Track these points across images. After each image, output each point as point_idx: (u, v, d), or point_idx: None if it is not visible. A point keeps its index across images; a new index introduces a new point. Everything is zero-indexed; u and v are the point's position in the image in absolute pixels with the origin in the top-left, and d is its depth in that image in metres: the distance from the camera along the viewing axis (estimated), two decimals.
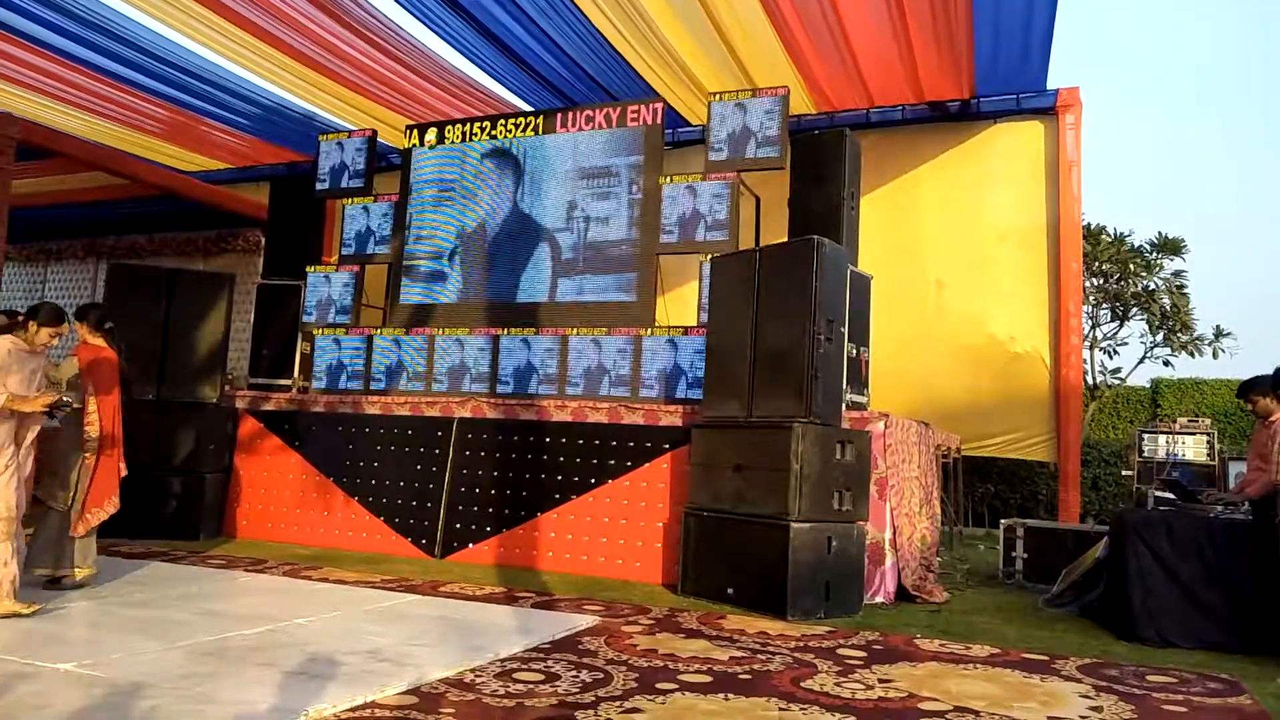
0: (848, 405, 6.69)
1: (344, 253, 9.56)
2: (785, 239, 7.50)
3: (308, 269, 9.57)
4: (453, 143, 9.28)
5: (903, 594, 6.53)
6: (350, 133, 9.98)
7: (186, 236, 13.29)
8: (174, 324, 8.51)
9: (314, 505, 8.22)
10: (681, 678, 4.11)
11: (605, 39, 8.96)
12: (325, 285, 9.45)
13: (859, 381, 7.22)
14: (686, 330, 7.76)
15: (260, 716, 3.22)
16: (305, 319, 9.45)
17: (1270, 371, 5.70)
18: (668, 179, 8.18)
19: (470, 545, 7.56)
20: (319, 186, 9.82)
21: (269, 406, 8.76)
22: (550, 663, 4.27)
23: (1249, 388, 5.81)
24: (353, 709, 3.43)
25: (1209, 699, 4.19)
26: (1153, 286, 13.07)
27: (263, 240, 11.11)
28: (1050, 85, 9.94)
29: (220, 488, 8.54)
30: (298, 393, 9.19)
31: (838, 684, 4.13)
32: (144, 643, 4.40)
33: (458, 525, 7.66)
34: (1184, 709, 4.00)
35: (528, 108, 10.55)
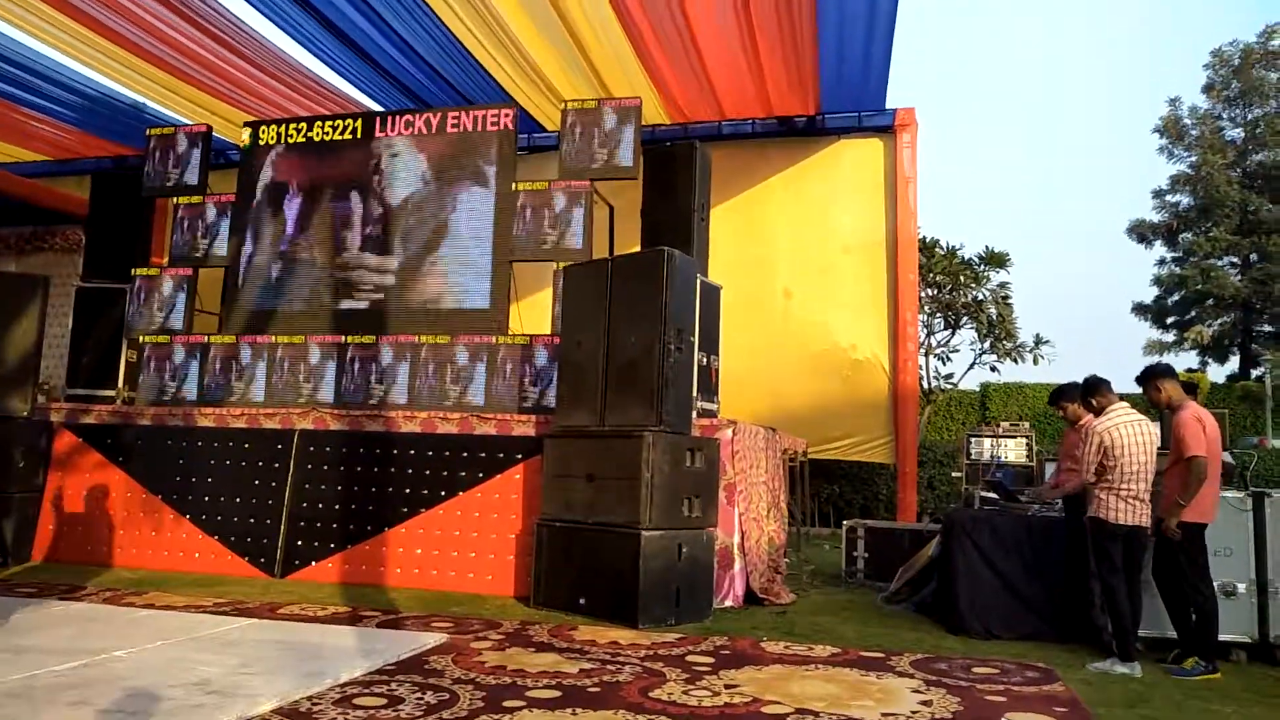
0: (698, 413, 6.81)
1: (174, 254, 8.98)
2: (638, 248, 7.57)
3: (134, 271, 8.94)
4: (296, 141, 8.88)
5: (751, 597, 6.69)
6: (183, 127, 9.40)
7: None
8: None
9: (140, 525, 7.67)
10: (530, 694, 4.07)
11: (460, 42, 8.82)
12: (153, 288, 8.84)
13: (709, 389, 7.35)
14: (538, 339, 7.71)
15: None
16: (131, 325, 8.82)
17: (1079, 379, 6.17)
18: (520, 185, 8.10)
19: (313, 563, 7.23)
20: (147, 183, 9.18)
21: (89, 420, 8.13)
22: (394, 685, 4.14)
23: (1059, 395, 6.28)
24: None
25: (1027, 687, 4.48)
26: (981, 297, 13.95)
27: (83, 239, 10.31)
28: (889, 105, 10.46)
29: (32, 508, 7.85)
30: (122, 404, 8.57)
31: (685, 692, 4.18)
32: None
33: (299, 542, 7.32)
34: (1004, 698, 4.26)
35: (379, 108, 10.25)
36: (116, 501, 7.77)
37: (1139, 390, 5.44)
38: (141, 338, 8.72)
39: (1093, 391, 5.46)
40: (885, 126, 10.71)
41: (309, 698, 3.89)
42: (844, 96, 10.11)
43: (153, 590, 6.54)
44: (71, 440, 8.02)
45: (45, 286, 8.33)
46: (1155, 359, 20.23)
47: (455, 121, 8.45)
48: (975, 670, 4.81)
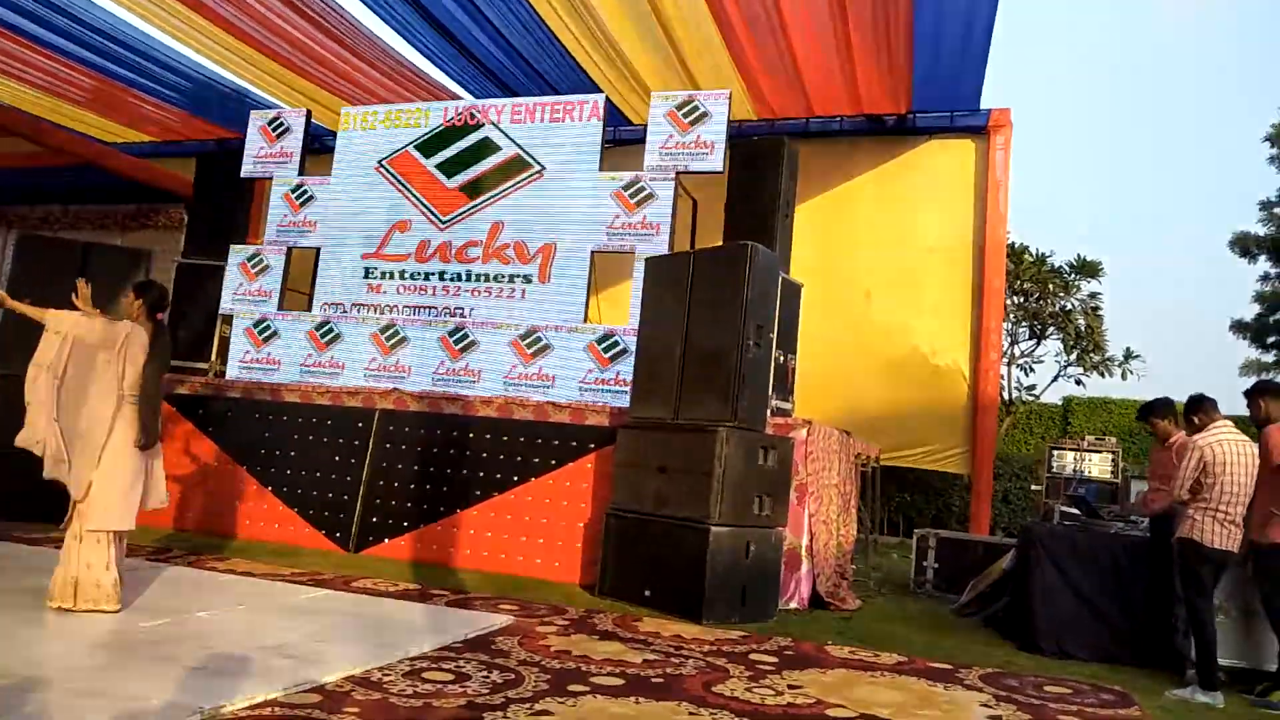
0: (773, 411, 6.76)
1: (270, 235, 9.30)
2: (720, 242, 7.54)
3: (231, 248, 9.29)
4: (390, 127, 9.11)
5: (817, 600, 6.61)
6: (283, 111, 9.72)
7: (105, 209, 12.82)
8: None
9: (225, 493, 7.98)
10: (594, 680, 4.10)
11: (549, 29, 8.89)
12: (250, 266, 9.18)
13: (784, 388, 7.29)
14: (617, 329, 7.75)
15: (154, 713, 3.11)
16: (226, 301, 9.18)
17: (1169, 395, 5.96)
18: (606, 176, 8.15)
19: (386, 540, 7.42)
20: (247, 164, 9.53)
21: (183, 390, 8.48)
22: (461, 662, 4.22)
23: (1150, 409, 6.05)
24: (252, 706, 3.34)
25: (1101, 710, 4.34)
26: (1069, 307, 13.49)
27: (185, 218, 10.76)
28: (983, 105, 10.20)
29: None
30: (214, 377, 8.92)
31: (748, 689, 4.17)
32: (32, 632, 4.23)
33: (374, 519, 7.52)
34: (1077, 719, 4.13)
35: (467, 95, 10.43)
36: (204, 470, 8.10)
37: (1241, 412, 5.22)
38: (236, 313, 9.06)
39: (1196, 408, 5.22)
40: (978, 127, 10.44)
41: (380, 668, 3.99)
42: (937, 95, 9.89)
43: (234, 557, 6.80)
44: (166, 409, 8.34)
45: (149, 261, 8.70)
46: (1253, 379, 19.35)
47: (545, 110, 8.54)
48: (1047, 689, 4.67)
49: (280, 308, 9.02)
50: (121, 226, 12.67)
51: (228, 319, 9.15)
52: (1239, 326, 27.28)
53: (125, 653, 3.92)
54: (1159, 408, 5.93)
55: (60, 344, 4.76)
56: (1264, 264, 26.69)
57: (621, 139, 10.81)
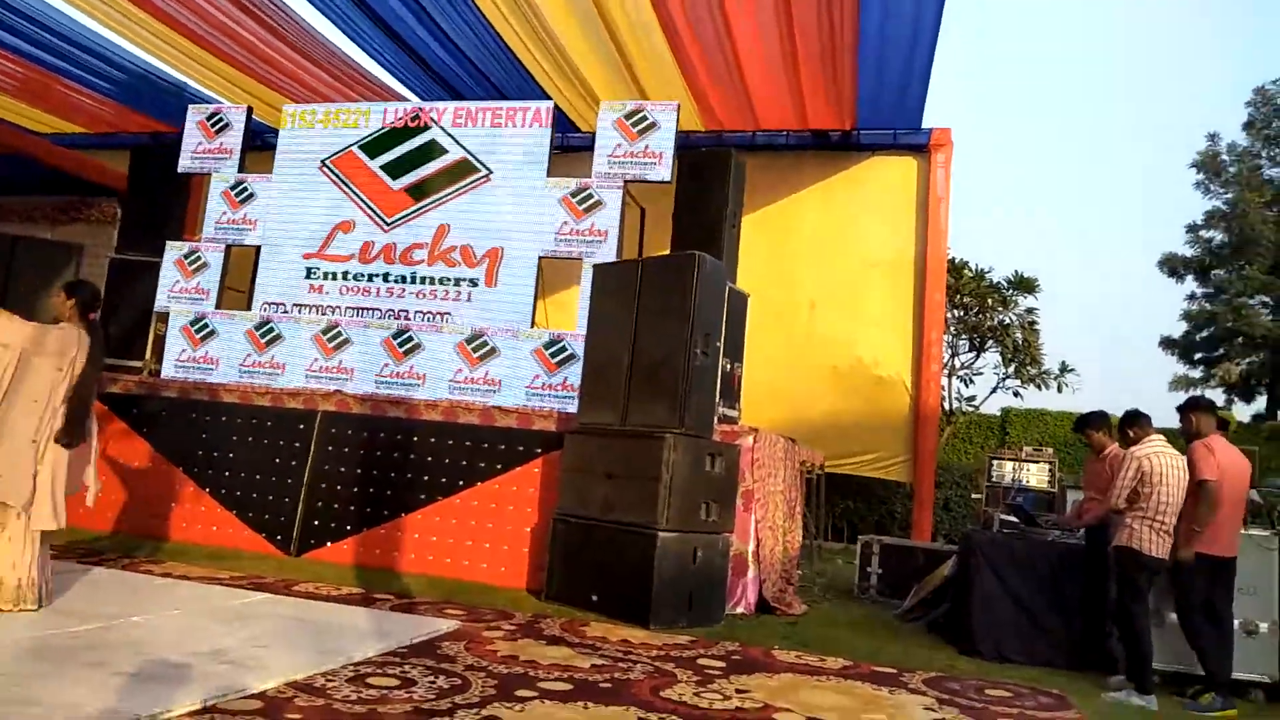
0: (719, 419, 6.80)
1: (208, 231, 9.06)
2: (668, 251, 7.58)
3: (167, 244, 9.03)
4: (334, 126, 8.96)
5: (763, 605, 6.66)
6: (223, 107, 9.49)
7: (33, 201, 12.37)
8: (13, 295, 7.85)
9: (160, 496, 7.72)
10: (541, 685, 4.06)
11: (497, 34, 8.86)
12: (186, 263, 8.93)
13: (731, 396, 7.34)
14: (564, 335, 7.73)
15: None
16: (161, 298, 8.91)
17: (1102, 408, 6.15)
18: (554, 182, 8.13)
19: (328, 544, 7.27)
20: (184, 159, 9.27)
21: (115, 389, 8.20)
22: (407, 667, 4.15)
23: (1085, 422, 6.22)
24: (190, 714, 3.23)
25: (1040, 712, 4.44)
26: (1008, 321, 13.86)
27: (119, 212, 10.43)
28: (925, 124, 10.43)
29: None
30: (148, 375, 8.65)
31: (697, 694, 4.17)
32: None
33: (316, 522, 7.36)
34: None
35: (414, 98, 10.32)
36: (138, 470, 7.84)
37: (1169, 425, 5.41)
38: (170, 311, 8.80)
39: (1132, 423, 5.38)
40: (920, 145, 10.70)
41: (323, 674, 3.90)
42: (880, 113, 10.10)
43: (170, 560, 6.59)
44: (98, 408, 8.05)
45: (80, 256, 8.43)
46: (1181, 394, 20.02)
47: (493, 114, 8.49)
48: (988, 692, 4.77)
49: (218, 306, 8.78)
50: (51, 220, 12.24)
51: (163, 316, 8.88)
52: (1168, 343, 28.24)
53: (57, 658, 3.76)
54: (1094, 420, 6.11)
55: (10, 360, 4.60)
56: (1191, 284, 27.65)
57: (570, 145, 10.82)
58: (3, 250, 7.99)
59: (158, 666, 3.74)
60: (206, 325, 8.68)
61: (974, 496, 12.02)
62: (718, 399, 6.68)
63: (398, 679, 3.94)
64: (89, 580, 5.59)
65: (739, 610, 6.50)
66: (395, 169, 8.67)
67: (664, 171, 7.94)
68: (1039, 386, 14.10)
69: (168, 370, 8.66)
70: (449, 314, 8.16)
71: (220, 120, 9.27)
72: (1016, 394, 14.43)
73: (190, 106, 9.47)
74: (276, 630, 4.66)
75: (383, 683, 3.86)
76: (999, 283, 13.90)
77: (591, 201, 7.99)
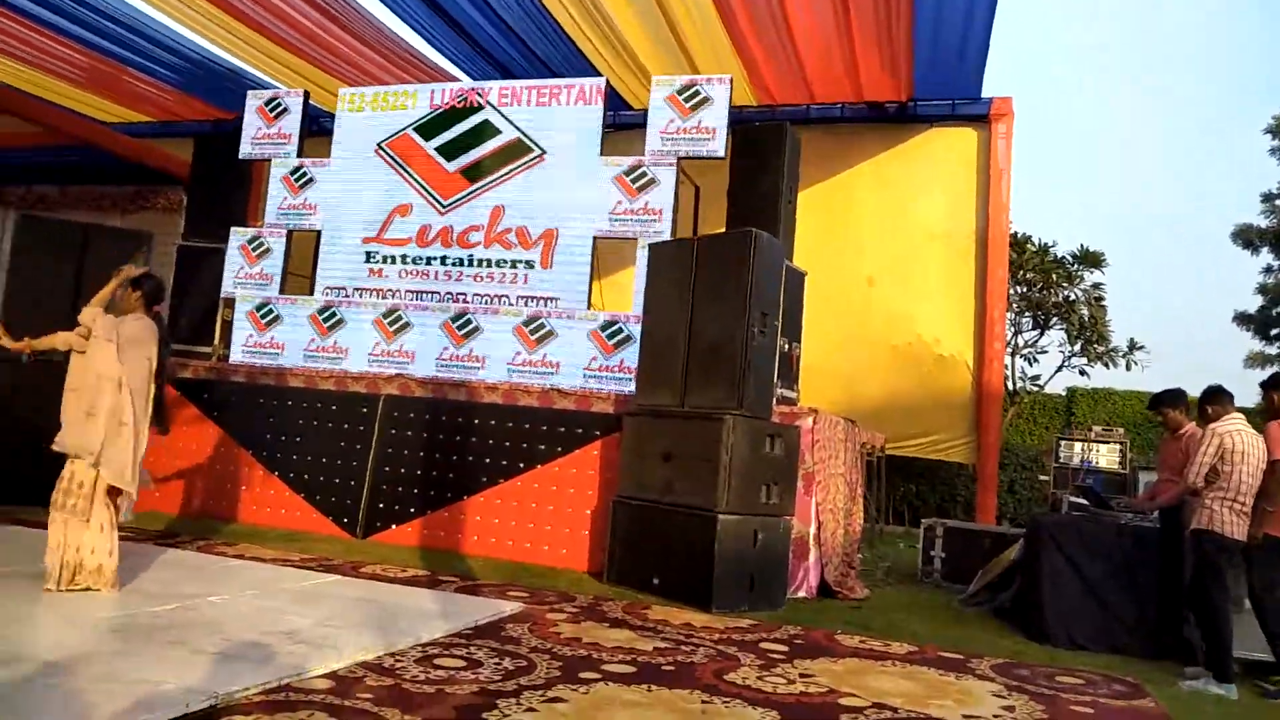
0: (778, 400, 6.73)
1: (270, 217, 9.22)
2: (723, 229, 7.50)
3: (232, 230, 9.21)
4: (389, 109, 9.02)
5: (825, 589, 6.61)
6: (281, 92, 9.62)
7: (102, 191, 12.70)
8: (88, 282, 8.06)
9: (232, 479, 7.93)
10: (605, 667, 4.08)
11: (550, 14, 8.81)
12: (250, 249, 9.10)
13: (790, 376, 7.27)
14: (620, 316, 7.71)
15: (170, 698, 3.07)
16: (227, 284, 9.10)
17: (1175, 386, 5.94)
18: (608, 161, 8.09)
19: (393, 526, 7.39)
20: (245, 145, 9.43)
21: (187, 374, 8.42)
22: (473, 649, 4.20)
23: (1160, 400, 6.01)
24: (266, 691, 3.31)
25: (1114, 700, 4.34)
26: (1073, 297, 13.48)
27: (185, 200, 10.66)
28: (985, 94, 10.15)
29: None
30: (217, 361, 8.86)
31: (760, 678, 4.15)
32: (44, 619, 4.20)
33: (381, 505, 7.49)
34: (1091, 710, 4.13)
35: (465, 77, 10.34)
36: (210, 455, 8.05)
37: (1244, 404, 5.21)
38: (237, 297, 8.98)
39: (1212, 399, 5.20)
40: (980, 116, 10.40)
41: (392, 654, 3.97)
42: (938, 84, 9.83)
43: (242, 542, 6.77)
44: (170, 393, 8.30)
45: (150, 243, 8.63)
46: (1256, 372, 19.38)
47: (546, 93, 8.47)
48: (1059, 679, 4.67)
49: (282, 291, 8.94)
50: (120, 208, 12.57)
51: (229, 302, 9.08)
52: (1243, 318, 27.21)
53: (138, 638, 3.88)
54: (1171, 398, 5.90)
55: (112, 352, 4.87)
56: (1266, 256, 26.62)
57: (622, 124, 10.72)
58: (76, 239, 8.21)
59: (234, 646, 3.84)
60: (271, 311, 8.85)
61: (1041, 478, 11.75)
62: (776, 379, 6.61)
63: (464, 660, 3.99)
64: (166, 562, 5.76)
65: (800, 594, 6.46)
66: (450, 151, 8.71)
67: (718, 147, 7.84)
68: (1106, 364, 13.71)
69: (236, 355, 8.85)
70: (506, 296, 8.20)
71: (278, 105, 9.40)
72: (1083, 372, 14.07)
73: (249, 92, 9.62)
74: (346, 611, 4.75)
75: (450, 663, 3.91)
76: (1063, 257, 13.53)
77: (645, 180, 7.94)
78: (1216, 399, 5.18)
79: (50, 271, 7.75)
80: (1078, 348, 13.57)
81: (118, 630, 4.00)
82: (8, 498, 7.05)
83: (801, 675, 4.27)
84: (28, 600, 4.46)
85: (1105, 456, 9.90)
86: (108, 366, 4.83)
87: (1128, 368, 13.66)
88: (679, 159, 7.91)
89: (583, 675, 3.91)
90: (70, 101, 11.88)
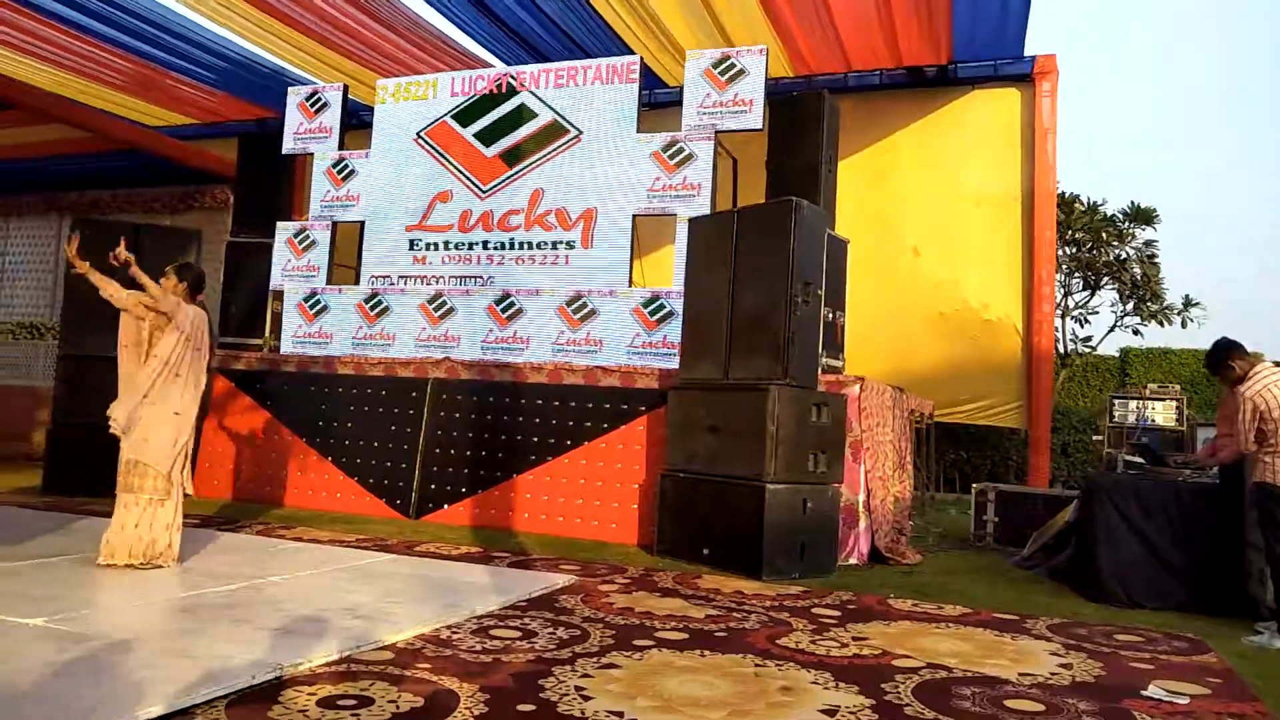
0: (823, 369, 6.70)
1: (314, 210, 9.38)
2: (763, 201, 7.46)
3: (278, 225, 9.39)
4: (425, 99, 9.11)
5: (876, 556, 6.59)
6: (320, 87, 9.76)
7: (153, 193, 13.03)
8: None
9: (287, 465, 8.13)
10: (658, 635, 4.13)
11: None
12: (297, 242, 9.28)
13: (834, 345, 7.23)
14: (662, 292, 7.72)
15: (237, 670, 3.18)
16: (275, 277, 9.29)
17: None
18: (645, 138, 8.08)
19: (445, 506, 7.53)
20: (287, 140, 9.60)
21: (239, 366, 8.63)
22: (527, 620, 4.27)
23: (1219, 353, 5.83)
24: (329, 663, 3.40)
25: (1175, 657, 4.27)
26: (1124, 256, 13.17)
27: (230, 197, 10.89)
28: (1027, 52, 9.94)
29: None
30: (268, 351, 9.06)
31: (813, 641, 4.16)
32: (114, 598, 4.36)
33: (432, 486, 7.62)
34: (1151, 666, 4.07)
35: (499, 62, 10.38)
36: (265, 443, 8.26)
37: None
38: (285, 289, 9.17)
39: (1233, 356, 5.03)
40: (1023, 75, 10.20)
41: (448, 627, 4.05)
42: (979, 44, 9.65)
43: (300, 525, 6.94)
44: (225, 385, 8.53)
45: (199, 241, 8.82)
46: None
47: (580, 74, 8.48)
48: (1117, 637, 4.61)
49: (329, 282, 9.12)
50: (170, 209, 12.89)
51: (278, 294, 9.28)
52: None
53: (206, 616, 4.02)
54: (1230, 350, 5.72)
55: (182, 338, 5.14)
56: None
57: (657, 102, 10.72)
58: (129, 238, 8.39)
59: (296, 622, 3.95)
60: (319, 301, 9.03)
61: (1095, 438, 11.54)
62: (821, 349, 6.57)
63: (519, 631, 4.06)
64: (228, 545, 5.94)
65: (851, 561, 6.46)
66: (488, 136, 8.78)
67: (755, 119, 7.79)
68: (1161, 323, 13.38)
69: (286, 346, 9.05)
70: (548, 277, 8.25)
71: (319, 100, 9.54)
72: (1136, 332, 13.74)
73: (289, 89, 9.78)
74: (403, 587, 4.86)
75: (505, 634, 3.98)
76: (1114, 215, 13.20)
77: (683, 155, 7.92)
78: (1237, 354, 5.02)
79: (105, 271, 7.94)
80: (1130, 307, 13.26)
81: (185, 609, 4.14)
82: (88, 490, 7.31)
83: (854, 638, 4.27)
84: (100, 583, 4.63)
85: (1161, 414, 9.66)
86: (170, 351, 5.04)
87: (1183, 325, 13.32)
88: (716, 132, 7.88)
89: (636, 643, 3.96)
90: (117, 107, 12.18)
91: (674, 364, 7.16)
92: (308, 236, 9.26)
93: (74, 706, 2.80)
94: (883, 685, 3.52)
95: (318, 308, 9.03)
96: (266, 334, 9.25)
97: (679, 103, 8.14)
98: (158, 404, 5.05)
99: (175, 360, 5.07)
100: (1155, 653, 4.33)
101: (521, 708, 3.04)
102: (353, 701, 3.01)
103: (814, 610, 4.87)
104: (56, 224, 13.84)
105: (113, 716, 2.67)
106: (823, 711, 3.18)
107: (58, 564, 5.00)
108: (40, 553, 5.25)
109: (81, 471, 7.48)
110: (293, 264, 9.26)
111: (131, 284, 5.26)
